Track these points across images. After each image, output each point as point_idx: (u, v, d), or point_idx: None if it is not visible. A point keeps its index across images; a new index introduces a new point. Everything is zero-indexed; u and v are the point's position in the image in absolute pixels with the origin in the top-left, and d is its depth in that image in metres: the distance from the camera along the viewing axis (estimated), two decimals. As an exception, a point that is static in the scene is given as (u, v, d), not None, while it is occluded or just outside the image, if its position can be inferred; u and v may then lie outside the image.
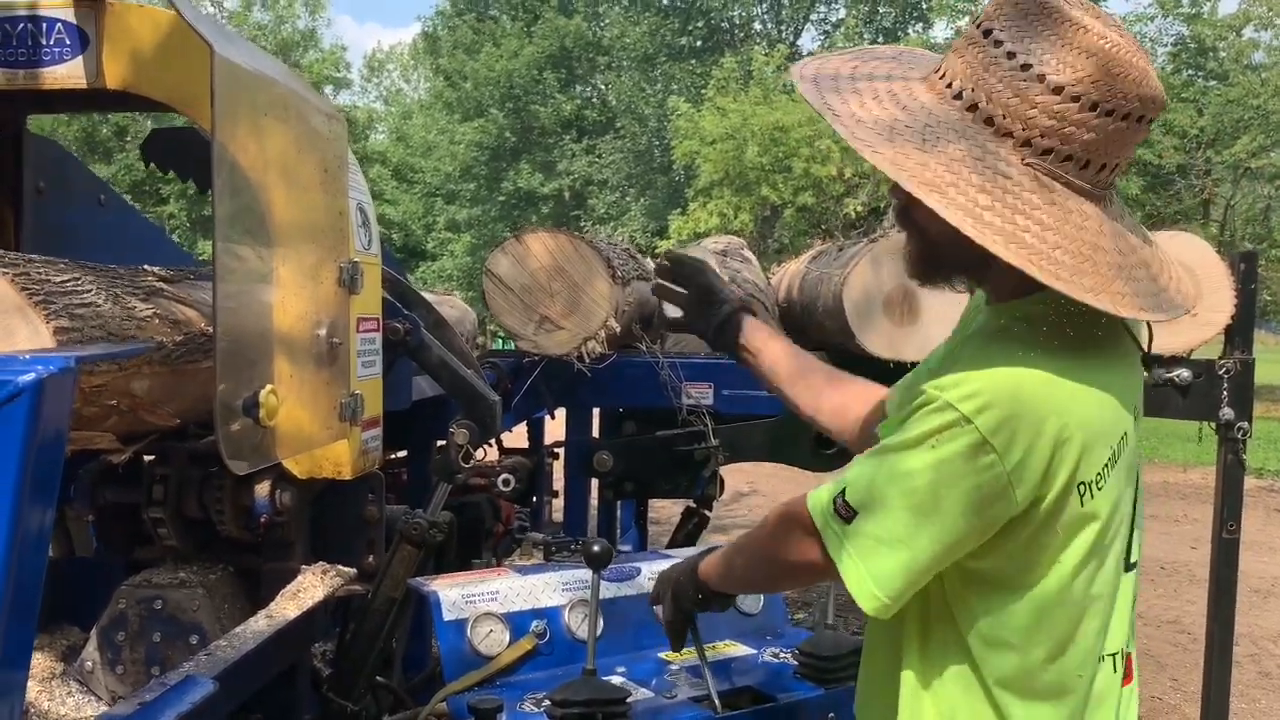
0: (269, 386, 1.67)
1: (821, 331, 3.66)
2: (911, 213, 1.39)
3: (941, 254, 1.40)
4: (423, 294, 2.57)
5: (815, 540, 1.37)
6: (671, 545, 4.40)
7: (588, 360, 3.15)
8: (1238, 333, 3.37)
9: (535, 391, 3.27)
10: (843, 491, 1.34)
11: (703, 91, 23.30)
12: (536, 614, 2.15)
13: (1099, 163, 1.29)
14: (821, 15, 31.46)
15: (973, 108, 1.31)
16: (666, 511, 5.90)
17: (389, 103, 48.80)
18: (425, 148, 37.34)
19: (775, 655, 2.26)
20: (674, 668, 2.17)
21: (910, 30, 28.49)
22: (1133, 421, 1.40)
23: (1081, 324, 1.34)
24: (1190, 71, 22.46)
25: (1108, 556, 1.38)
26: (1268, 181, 21.11)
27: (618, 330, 3.17)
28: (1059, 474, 1.28)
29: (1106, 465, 1.32)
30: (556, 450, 3.90)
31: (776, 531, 1.47)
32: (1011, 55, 1.29)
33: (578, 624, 2.18)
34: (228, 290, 1.60)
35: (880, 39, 27.86)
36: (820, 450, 3.49)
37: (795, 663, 2.18)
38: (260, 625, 2.01)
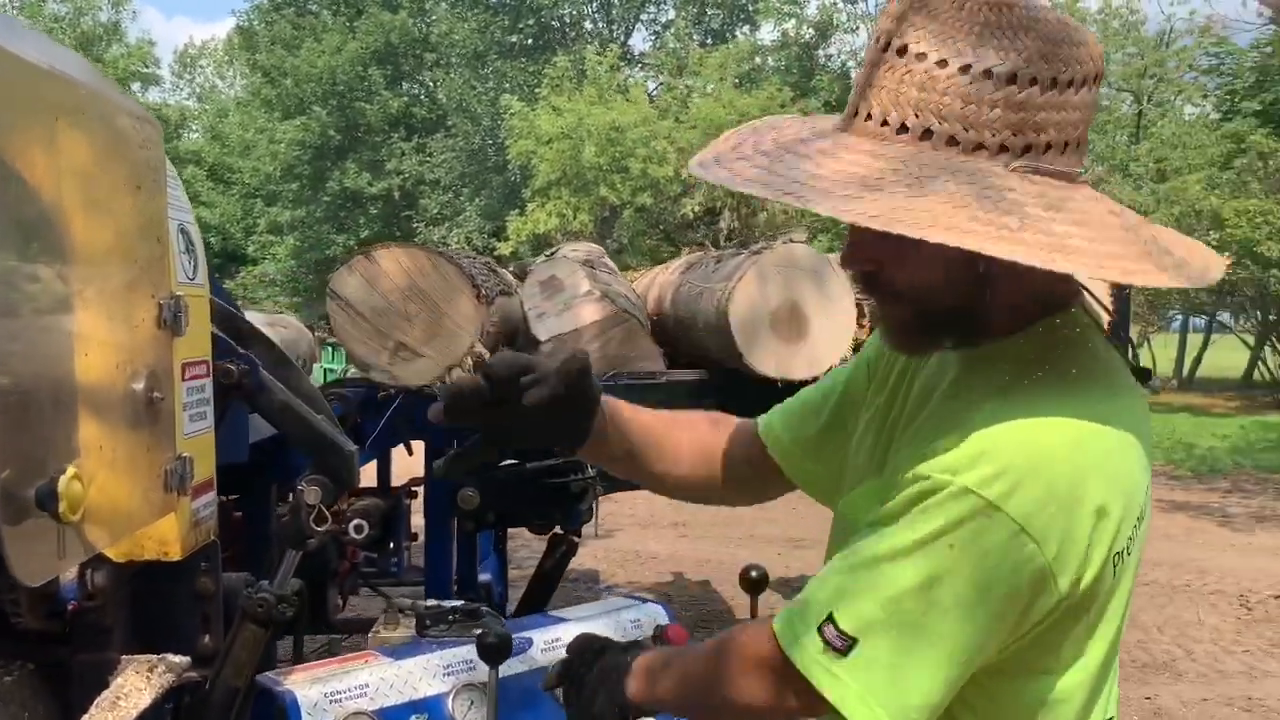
0: (70, 469, 1.30)
1: (700, 349, 3.43)
2: (885, 275, 1.15)
3: (935, 311, 1.16)
4: (258, 326, 2.19)
5: (791, 682, 1.10)
6: (538, 575, 4.12)
7: (452, 391, 2.82)
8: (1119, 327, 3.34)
9: (390, 427, 2.91)
10: (828, 618, 1.07)
11: (536, 90, 22.97)
12: (414, 707, 1.82)
13: (1075, 140, 1.11)
14: (651, 15, 31.57)
15: (926, 135, 1.08)
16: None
17: (203, 100, 46.39)
18: (243, 147, 35.58)
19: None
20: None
21: (738, 32, 28.89)
22: (1148, 469, 1.18)
23: (1081, 355, 1.14)
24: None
25: (1122, 623, 1.19)
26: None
27: (486, 356, 2.85)
28: (1098, 549, 1.06)
29: (1136, 526, 1.11)
30: (414, 489, 3.54)
31: (728, 673, 1.18)
32: (943, 63, 1.07)
33: (464, 714, 1.86)
34: (8, 343, 1.22)
35: (709, 41, 28.16)
36: (704, 477, 3.27)
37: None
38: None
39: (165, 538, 1.80)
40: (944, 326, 1.18)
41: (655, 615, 2.19)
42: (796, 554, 8.18)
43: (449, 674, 1.90)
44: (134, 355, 1.62)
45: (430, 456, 3.28)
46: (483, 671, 1.94)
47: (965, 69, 1.06)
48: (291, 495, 2.08)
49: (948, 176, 1.06)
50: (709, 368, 3.38)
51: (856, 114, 1.13)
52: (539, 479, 3.25)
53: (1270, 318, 17.59)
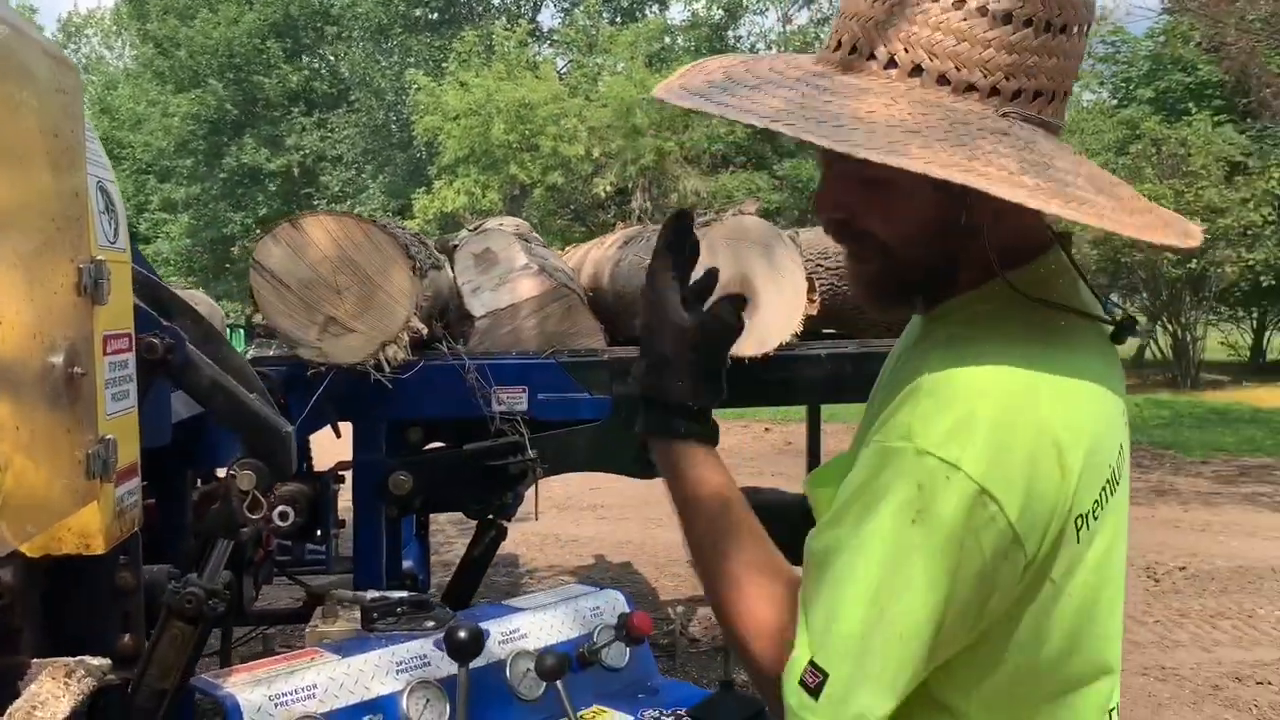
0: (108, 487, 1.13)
1: (642, 325, 3.32)
2: (860, 223, 1.08)
3: (906, 263, 1.09)
4: (181, 297, 2.01)
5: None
6: (467, 561, 3.99)
7: (388, 369, 2.66)
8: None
9: (319, 408, 2.74)
10: (810, 662, 0.99)
11: (443, 65, 22.46)
12: (366, 708, 1.69)
13: (1062, 91, 1.06)
14: (561, -9, 31.14)
15: (915, 71, 1.02)
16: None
17: (90, 71, 44.37)
18: (134, 120, 34.10)
19: (661, 718, 1.90)
20: (545, 757, 1.77)
21: (648, 10, 28.70)
22: (1125, 430, 1.13)
23: (1040, 308, 1.07)
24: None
25: (1110, 607, 1.11)
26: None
27: (423, 332, 2.70)
28: (1060, 505, 0.99)
29: (1104, 490, 1.04)
30: (342, 473, 3.36)
31: (752, 648, 1.08)
32: (959, 4, 1.01)
33: (419, 713, 1.73)
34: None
35: (619, 19, 27.92)
36: (647, 455, 3.16)
37: (687, 731, 1.84)
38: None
39: (86, 529, 1.63)
40: (914, 283, 1.12)
41: (614, 602, 2.09)
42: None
43: (401, 671, 1.77)
44: (51, 325, 1.44)
45: (359, 439, 3.11)
46: (437, 667, 1.83)
47: (959, 4, 1.00)
48: (223, 480, 1.92)
49: (937, 113, 1.00)
50: (651, 344, 3.27)
51: (840, 48, 1.06)
52: (477, 461, 3.11)
53: (1161, 298, 18.20)
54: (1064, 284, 1.13)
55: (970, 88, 1.02)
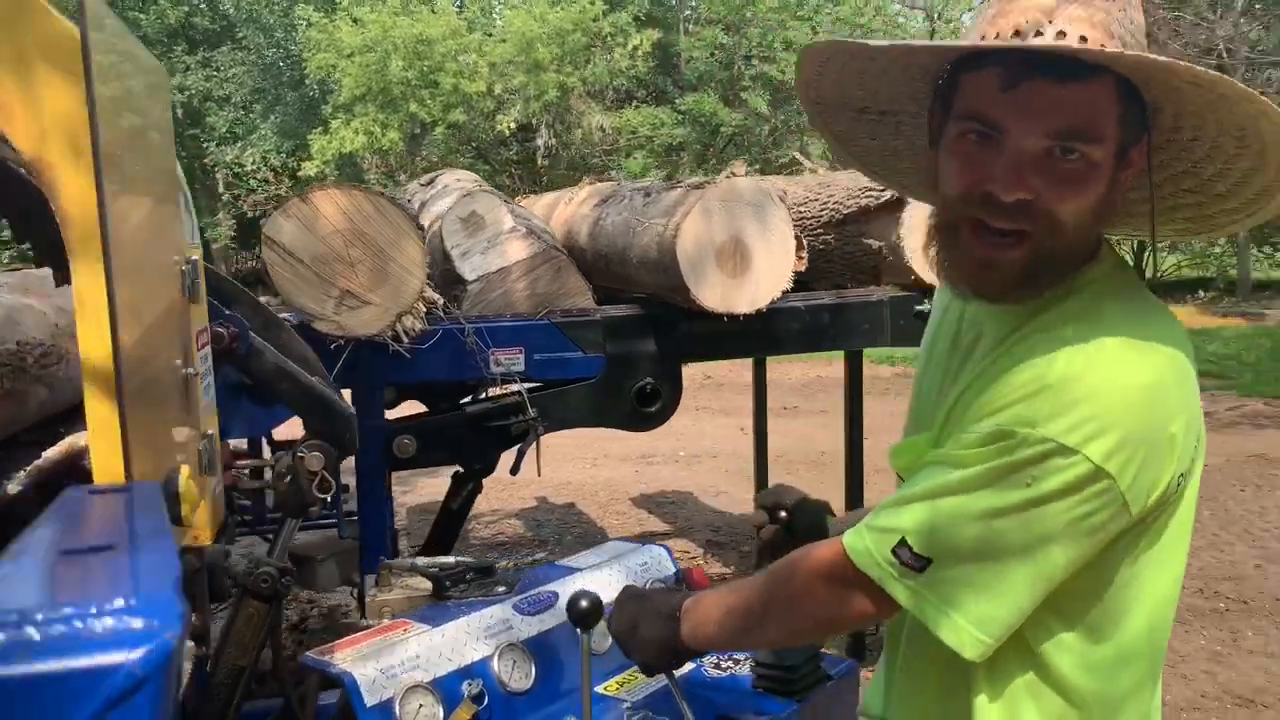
0: (185, 468, 1.19)
1: (631, 283, 3.42)
2: (1045, 203, 1.16)
3: (1070, 244, 1.19)
4: (238, 285, 2.03)
5: (867, 591, 1.22)
6: (444, 513, 4.05)
7: (405, 339, 2.71)
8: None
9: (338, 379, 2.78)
10: (901, 540, 1.18)
11: (335, 0, 21.65)
12: (464, 673, 1.79)
13: None
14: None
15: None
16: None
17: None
18: (-4, 59, 32.04)
19: (719, 668, 2.05)
20: (625, 705, 1.90)
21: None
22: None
23: (1132, 292, 1.24)
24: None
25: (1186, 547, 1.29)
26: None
27: (439, 301, 2.75)
28: (1166, 473, 1.16)
29: (1196, 446, 1.21)
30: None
31: (802, 589, 1.30)
32: None
33: (509, 674, 1.84)
34: (136, 341, 1.10)
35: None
36: (641, 409, 3.29)
37: (749, 675, 1.99)
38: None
39: (198, 524, 1.67)
40: (1054, 270, 1.21)
41: (660, 557, 2.22)
42: (651, 470, 8.38)
43: (489, 636, 1.87)
44: (170, 331, 1.49)
45: (361, 405, 3.15)
46: (519, 630, 1.94)
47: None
48: (290, 461, 1.97)
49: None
50: (639, 302, 3.37)
51: (1018, 35, 1.15)
52: (478, 421, 3.19)
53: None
54: (1131, 272, 1.28)
55: None
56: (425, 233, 3.24)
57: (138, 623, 0.53)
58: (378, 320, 2.67)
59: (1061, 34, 1.13)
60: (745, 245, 2.98)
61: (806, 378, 11.99)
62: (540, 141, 20.50)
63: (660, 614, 1.48)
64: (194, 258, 1.61)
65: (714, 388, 11.36)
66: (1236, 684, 4.27)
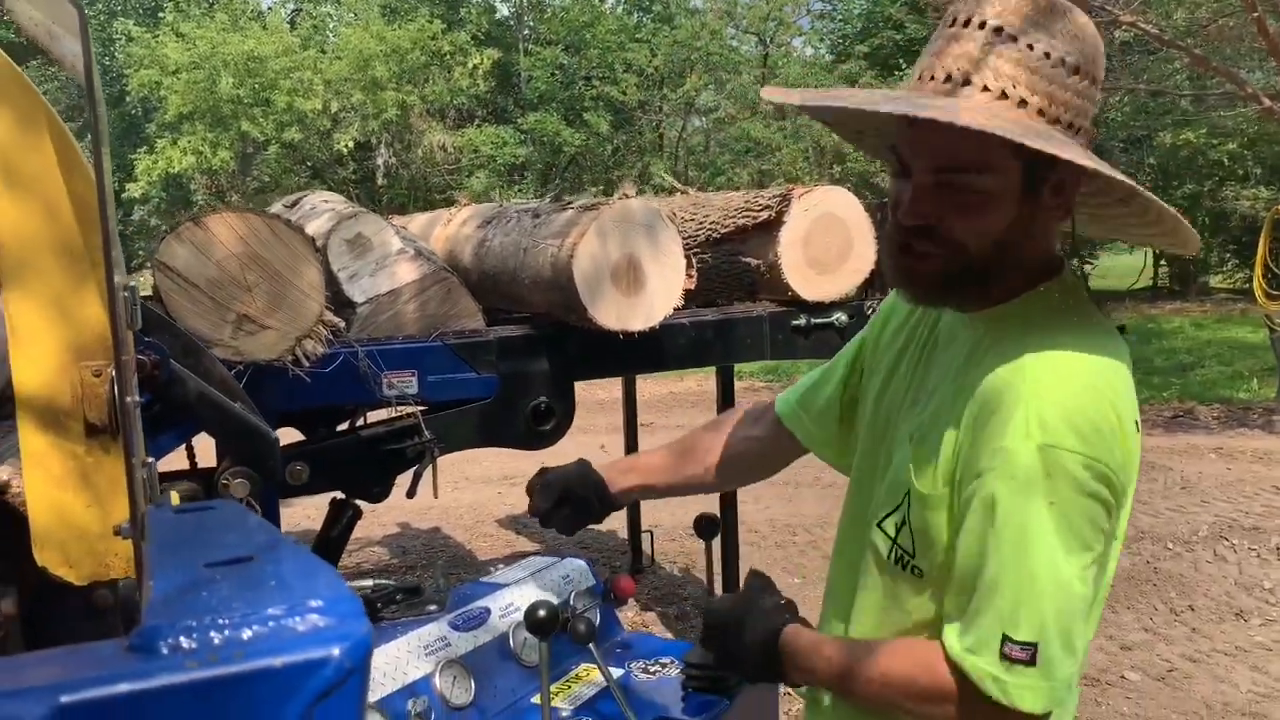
0: (174, 494, 1.18)
1: (522, 304, 3.46)
2: (946, 229, 1.31)
3: (973, 264, 1.33)
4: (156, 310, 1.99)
5: (983, 704, 1.24)
6: (322, 542, 3.98)
7: (306, 363, 2.68)
8: (878, 277, 3.75)
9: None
10: (1004, 638, 1.22)
11: (159, 15, 20.78)
12: (408, 692, 1.80)
13: (1088, 132, 1.35)
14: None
15: (1039, 113, 1.29)
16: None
17: None
18: None
19: (647, 670, 2.12)
20: (565, 713, 1.94)
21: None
22: None
23: (1081, 309, 1.37)
24: (640, 14, 24.45)
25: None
26: (705, 115, 23.76)
27: (340, 325, 2.73)
28: (1130, 466, 1.28)
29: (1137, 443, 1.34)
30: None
31: (917, 702, 1.31)
32: (1031, 46, 1.28)
33: (450, 690, 1.86)
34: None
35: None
36: (536, 427, 3.33)
37: (678, 677, 2.06)
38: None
39: (129, 552, 1.63)
40: (972, 281, 1.34)
41: (581, 570, 2.27)
42: (514, 490, 8.36)
43: (428, 654, 1.89)
44: (115, 360, 1.46)
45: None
46: (456, 646, 1.96)
47: (1047, 55, 1.27)
48: (215, 489, 1.93)
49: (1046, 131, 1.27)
50: (529, 322, 3.42)
51: (950, 80, 1.30)
52: (374, 445, 3.17)
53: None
54: (1079, 291, 1.42)
55: (1055, 120, 1.28)
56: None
57: (334, 619, 0.56)
58: (277, 345, 2.64)
59: (985, 88, 1.27)
60: (639, 264, 3.07)
61: (660, 393, 12.20)
62: (380, 160, 20.21)
63: (765, 629, 1.49)
64: (132, 284, 1.58)
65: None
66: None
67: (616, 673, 2.11)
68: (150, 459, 1.66)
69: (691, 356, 3.55)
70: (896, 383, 1.53)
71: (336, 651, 0.54)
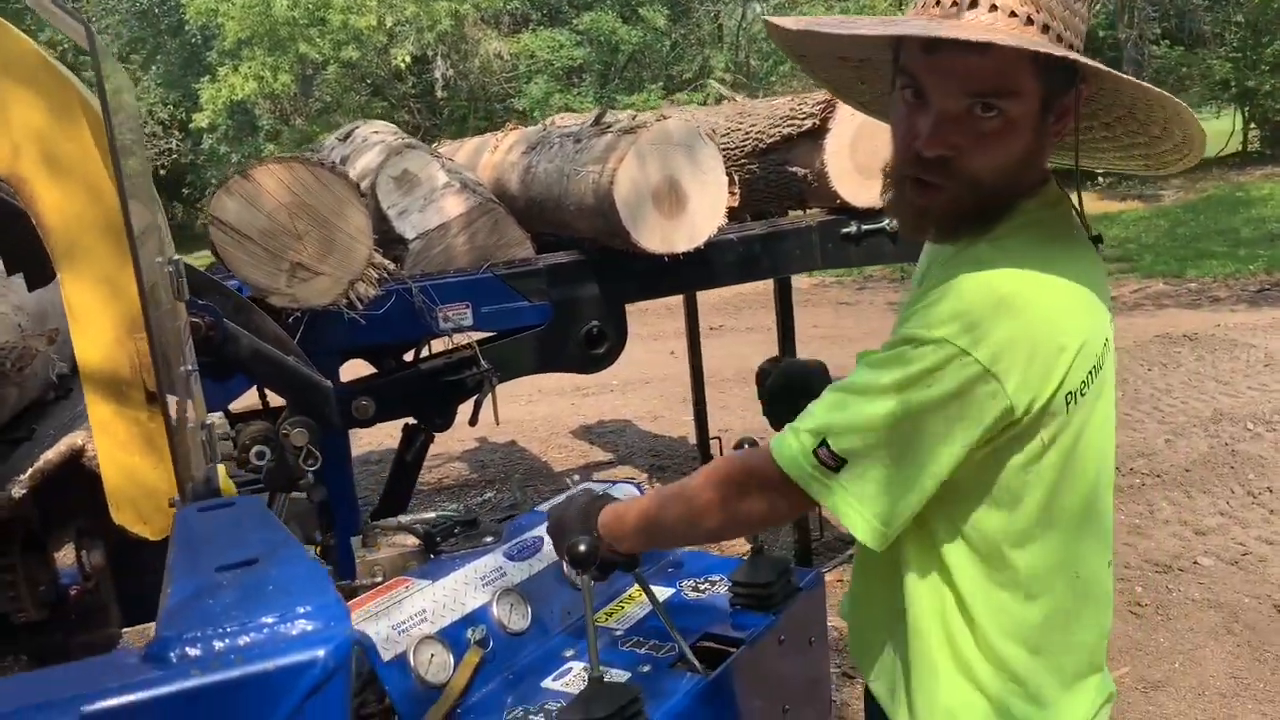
0: (221, 467, 1.28)
1: (568, 229, 3.50)
2: (964, 160, 1.30)
3: (991, 193, 1.33)
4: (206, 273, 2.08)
5: (785, 492, 1.36)
6: (399, 467, 4.14)
7: (360, 306, 2.77)
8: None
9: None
10: (823, 442, 1.32)
11: (210, -60, 20.74)
12: (468, 620, 1.91)
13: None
14: None
15: (1045, 29, 1.27)
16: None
17: None
18: None
19: (697, 589, 2.21)
20: (617, 634, 2.05)
21: None
22: (1111, 326, 1.44)
23: (1047, 225, 1.37)
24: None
25: (1098, 473, 1.43)
26: (764, 1, 23.04)
27: (389, 266, 2.81)
28: (1052, 382, 1.29)
29: (1091, 373, 1.34)
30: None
31: (730, 488, 1.45)
32: None
33: (508, 617, 1.97)
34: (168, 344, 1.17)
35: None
36: (590, 351, 3.40)
37: (726, 594, 2.14)
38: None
39: (200, 508, 1.75)
40: (979, 214, 1.35)
41: (629, 495, 2.35)
42: (587, 401, 8.52)
43: (485, 584, 1.99)
44: (170, 329, 1.55)
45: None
46: (511, 576, 2.06)
47: None
48: (276, 439, 2.04)
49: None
50: (578, 247, 3.46)
51: (956, 4, 1.28)
52: (433, 378, 3.27)
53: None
54: (1063, 209, 1.42)
55: (1059, 39, 1.27)
56: (365, 197, 3.27)
57: (320, 624, 0.63)
58: (331, 289, 2.73)
59: (994, 6, 1.26)
60: (680, 185, 3.08)
61: (729, 296, 12.18)
62: (437, 73, 20.11)
63: (584, 510, 1.69)
64: (176, 256, 1.67)
65: (638, 313, 11.46)
66: (1155, 553, 4.61)
67: (666, 592, 2.21)
68: (209, 421, 1.77)
69: (742, 271, 3.56)
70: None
71: (322, 653, 0.61)
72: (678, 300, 5.97)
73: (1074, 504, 1.40)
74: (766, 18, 1.44)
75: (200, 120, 20.23)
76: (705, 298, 11.17)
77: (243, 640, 0.61)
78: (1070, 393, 1.31)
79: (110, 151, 1.08)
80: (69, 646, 1.93)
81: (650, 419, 7.69)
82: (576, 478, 2.30)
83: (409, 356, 3.64)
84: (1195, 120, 1.29)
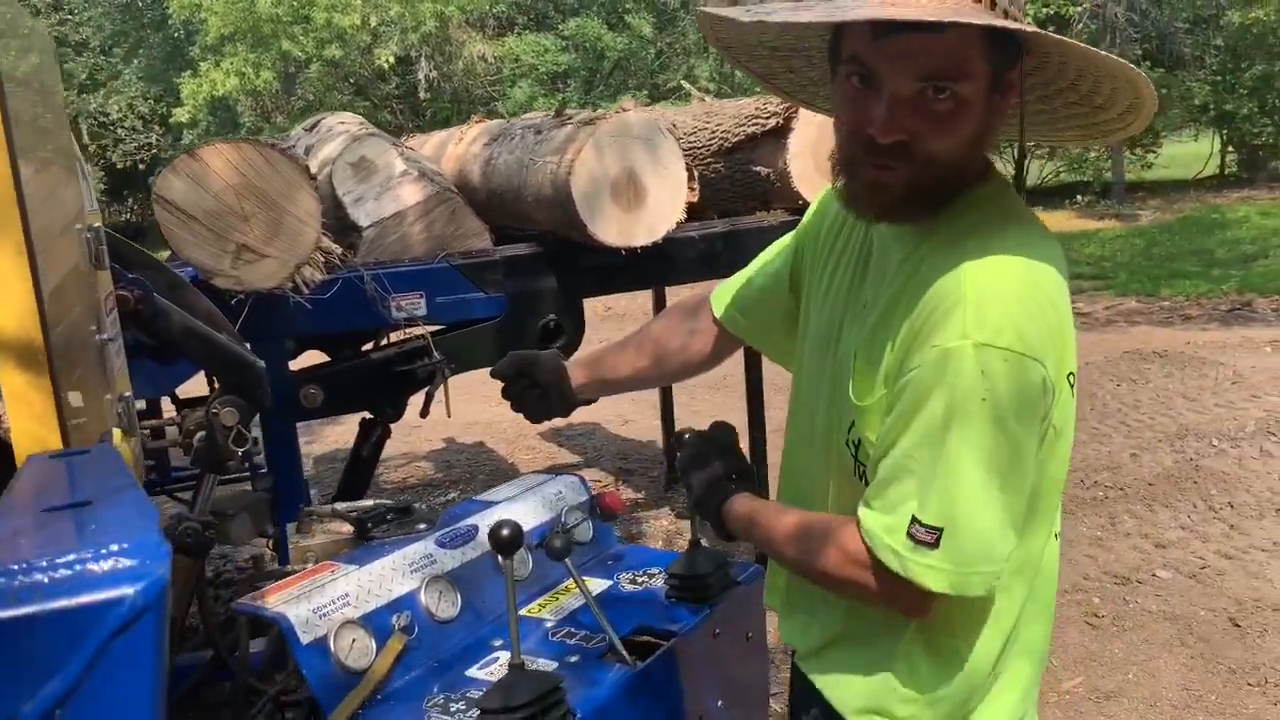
0: (117, 431, 1.23)
1: (528, 221, 3.46)
2: (923, 143, 1.27)
3: (945, 173, 1.30)
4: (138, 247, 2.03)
5: (890, 578, 1.27)
6: (355, 460, 4.09)
7: (306, 290, 2.73)
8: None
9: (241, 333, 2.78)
10: (913, 519, 1.24)
11: (195, -66, 20.64)
12: (393, 607, 1.86)
13: None
14: None
15: (992, 4, 1.24)
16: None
17: None
18: None
19: (634, 582, 2.17)
20: (549, 624, 2.00)
21: None
22: None
23: (1014, 205, 1.36)
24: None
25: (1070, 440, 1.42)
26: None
27: (337, 251, 2.77)
28: (1068, 365, 1.28)
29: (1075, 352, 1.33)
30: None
31: (840, 570, 1.35)
32: None
33: (436, 604, 1.93)
34: (59, 310, 1.13)
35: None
36: (546, 345, 3.36)
37: (662, 588, 2.11)
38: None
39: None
40: (936, 191, 1.32)
41: (574, 486, 2.31)
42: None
43: (414, 571, 1.95)
44: (85, 299, 1.51)
45: (264, 357, 3.15)
46: (441, 564, 2.02)
47: None
48: (206, 418, 2.00)
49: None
50: (539, 240, 3.43)
51: None
52: (384, 368, 3.23)
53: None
54: (1009, 191, 1.40)
55: (1005, 13, 1.22)
56: (316, 181, 3.22)
57: (133, 562, 0.60)
58: (277, 273, 2.68)
59: None
60: (639, 178, 3.05)
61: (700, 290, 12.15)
62: (421, 74, 20.06)
63: (716, 486, 1.61)
64: (95, 224, 1.62)
65: (616, 319, 11.48)
66: (1115, 565, 4.60)
67: (604, 584, 2.17)
68: (127, 394, 1.72)
69: (702, 269, 3.54)
70: (835, 293, 1.52)
71: (130, 591, 0.58)
72: (649, 304, 5.95)
73: (1052, 494, 1.38)
74: (703, 8, 1.39)
75: (180, 115, 20.10)
76: (678, 292, 11.17)
77: (46, 577, 0.58)
78: (1071, 373, 1.30)
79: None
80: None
81: (619, 423, 7.66)
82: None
83: (369, 348, 3.60)
84: (1147, 83, 1.25)
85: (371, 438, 4.08)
